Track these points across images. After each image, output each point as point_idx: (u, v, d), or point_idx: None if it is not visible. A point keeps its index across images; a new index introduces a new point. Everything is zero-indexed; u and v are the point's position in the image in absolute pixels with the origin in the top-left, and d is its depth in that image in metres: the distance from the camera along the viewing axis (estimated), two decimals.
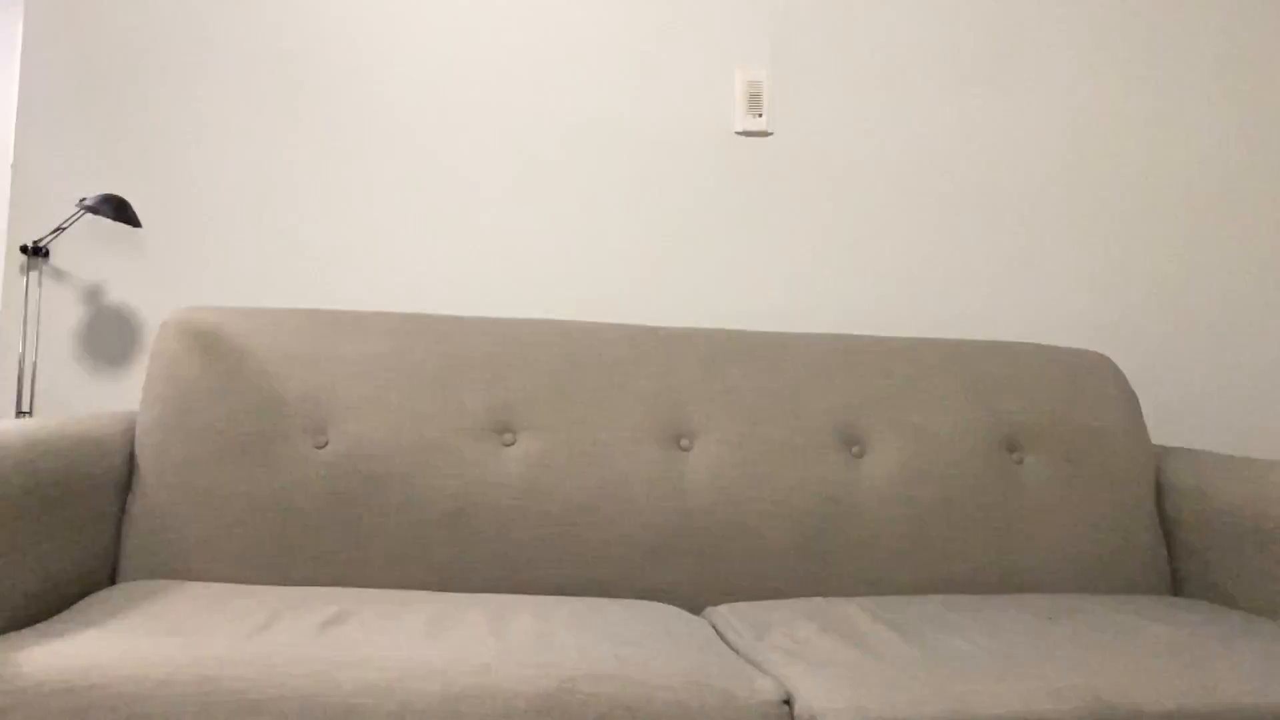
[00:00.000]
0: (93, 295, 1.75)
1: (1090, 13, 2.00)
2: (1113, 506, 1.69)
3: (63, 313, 1.74)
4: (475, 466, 1.55)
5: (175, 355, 1.55)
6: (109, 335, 1.75)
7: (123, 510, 1.48)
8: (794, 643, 1.28)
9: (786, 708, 1.11)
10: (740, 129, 1.90)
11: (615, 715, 1.06)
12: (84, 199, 1.60)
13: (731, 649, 1.30)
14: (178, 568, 1.46)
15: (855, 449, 1.67)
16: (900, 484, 1.66)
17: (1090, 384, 1.79)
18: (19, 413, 1.68)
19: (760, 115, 1.90)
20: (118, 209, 1.60)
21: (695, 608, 1.52)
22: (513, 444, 1.59)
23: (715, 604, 1.53)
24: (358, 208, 1.81)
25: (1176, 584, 1.68)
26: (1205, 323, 2.01)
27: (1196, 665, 1.18)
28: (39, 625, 1.15)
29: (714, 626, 1.41)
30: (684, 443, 1.62)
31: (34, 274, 1.72)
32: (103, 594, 1.32)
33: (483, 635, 1.18)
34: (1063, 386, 1.77)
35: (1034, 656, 1.20)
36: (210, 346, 1.56)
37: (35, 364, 1.71)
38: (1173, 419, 2.00)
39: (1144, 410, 1.85)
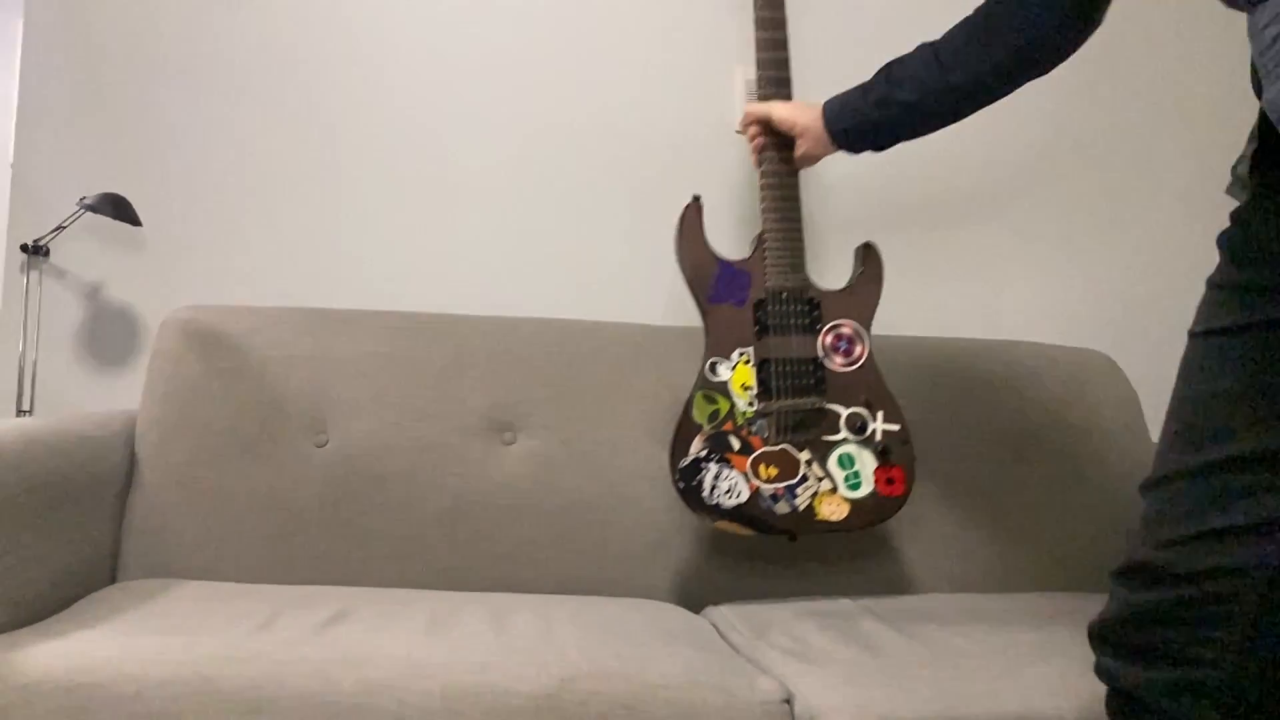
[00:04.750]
0: (93, 295, 1.75)
1: None
2: (1113, 506, 1.69)
3: (63, 312, 1.74)
4: (475, 466, 1.55)
5: (175, 355, 1.55)
6: (109, 335, 1.75)
7: (123, 510, 1.48)
8: (794, 642, 1.28)
9: (787, 706, 1.11)
10: (740, 129, 1.90)
11: (615, 714, 1.06)
12: (84, 198, 1.60)
13: (732, 648, 1.30)
14: (178, 567, 1.46)
15: None
16: None
17: (1090, 384, 1.79)
18: (19, 412, 1.68)
19: None
20: (118, 208, 1.60)
21: (695, 607, 1.52)
22: (513, 443, 1.59)
23: (715, 603, 1.53)
24: (358, 208, 1.81)
25: None
26: None
27: None
28: (39, 625, 1.15)
29: (714, 626, 1.41)
30: None
31: (34, 273, 1.72)
32: (103, 593, 1.32)
33: (482, 634, 1.18)
34: (1063, 386, 1.77)
35: (1034, 656, 1.20)
36: (210, 346, 1.56)
37: (35, 364, 1.71)
38: None
39: (1144, 410, 1.85)
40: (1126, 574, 0.92)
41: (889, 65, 1.35)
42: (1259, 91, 0.88)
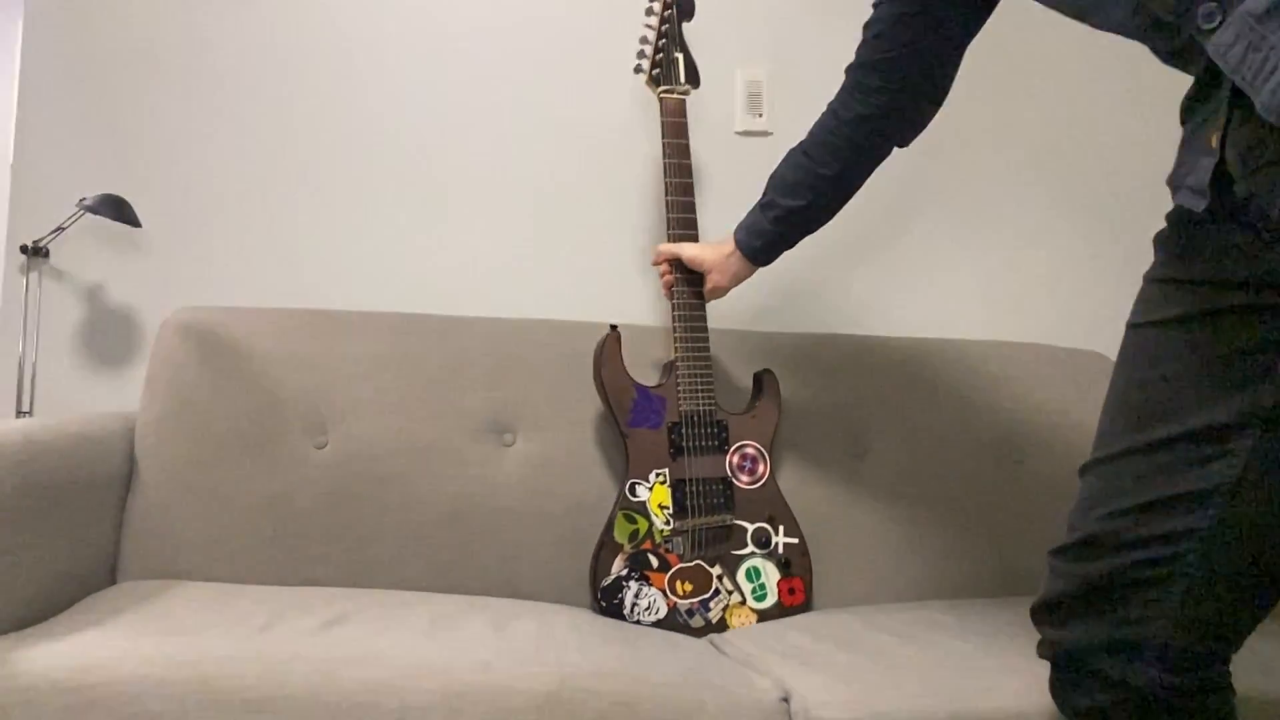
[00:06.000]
0: (93, 295, 1.75)
1: None
2: None
3: (63, 313, 1.74)
4: (475, 466, 1.55)
5: (175, 355, 1.55)
6: (109, 335, 1.75)
7: (123, 511, 1.48)
8: (790, 645, 1.29)
9: (784, 705, 1.11)
10: (740, 129, 1.90)
11: (615, 713, 1.06)
12: (84, 199, 1.60)
13: (729, 652, 1.30)
14: (178, 568, 1.46)
15: (855, 449, 1.67)
16: (900, 484, 1.66)
17: (1090, 384, 1.79)
18: (19, 413, 1.68)
19: (760, 115, 1.90)
20: (118, 209, 1.60)
21: None
22: (513, 444, 1.59)
23: None
24: (358, 208, 1.81)
25: None
26: None
27: None
28: (39, 625, 1.15)
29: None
30: None
31: (34, 274, 1.72)
32: (103, 594, 1.32)
33: (483, 634, 1.18)
34: (1063, 386, 1.77)
35: (1031, 655, 1.20)
36: (210, 346, 1.56)
37: (35, 364, 1.71)
38: None
39: None
40: (1069, 549, 0.94)
41: (771, 179, 1.47)
42: (1184, 118, 0.94)
